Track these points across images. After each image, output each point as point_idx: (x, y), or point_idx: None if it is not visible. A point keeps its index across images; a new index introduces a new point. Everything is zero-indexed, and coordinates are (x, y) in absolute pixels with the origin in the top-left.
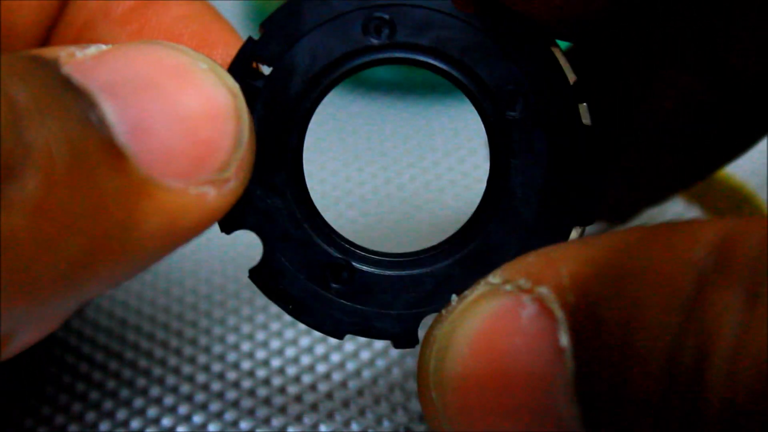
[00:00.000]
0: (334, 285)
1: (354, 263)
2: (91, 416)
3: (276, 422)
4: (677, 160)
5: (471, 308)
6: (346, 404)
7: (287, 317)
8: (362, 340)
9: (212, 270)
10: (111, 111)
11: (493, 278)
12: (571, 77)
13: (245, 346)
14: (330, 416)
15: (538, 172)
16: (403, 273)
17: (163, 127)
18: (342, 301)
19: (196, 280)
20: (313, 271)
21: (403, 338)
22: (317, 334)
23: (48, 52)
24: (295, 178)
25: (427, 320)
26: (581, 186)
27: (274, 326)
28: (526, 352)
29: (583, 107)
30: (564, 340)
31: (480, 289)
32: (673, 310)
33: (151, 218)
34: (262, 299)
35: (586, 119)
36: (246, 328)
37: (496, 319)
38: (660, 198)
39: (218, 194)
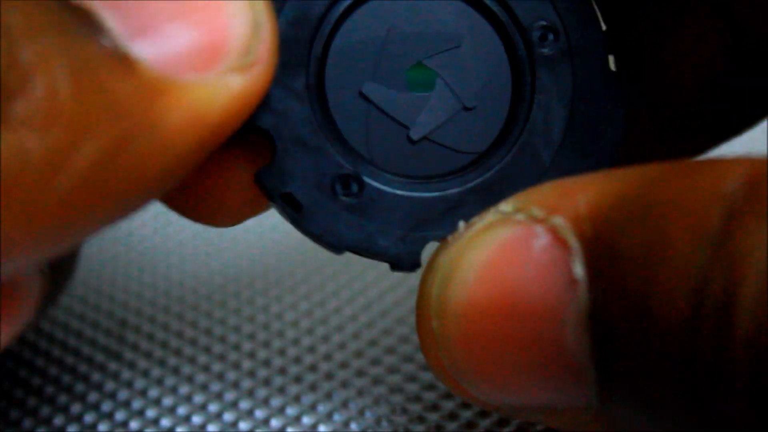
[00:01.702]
0: (342, 197)
1: (365, 177)
2: (90, 417)
3: (276, 423)
4: (699, 124)
5: (479, 236)
6: (345, 405)
7: (289, 317)
8: (368, 335)
9: (212, 270)
10: (111, 18)
11: (505, 206)
12: (603, 26)
13: (246, 346)
14: (329, 416)
15: (561, 111)
16: (413, 194)
17: (170, 23)
18: (348, 214)
19: (196, 281)
20: (322, 179)
21: (405, 260)
22: (318, 335)
23: None
24: (316, 84)
25: (431, 247)
26: (602, 131)
27: (275, 326)
28: (537, 282)
29: (611, 57)
30: (578, 271)
31: (490, 216)
32: (700, 243)
33: (173, 114)
34: (261, 300)
35: (612, 67)
36: (247, 328)
37: (506, 248)
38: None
39: (245, 80)
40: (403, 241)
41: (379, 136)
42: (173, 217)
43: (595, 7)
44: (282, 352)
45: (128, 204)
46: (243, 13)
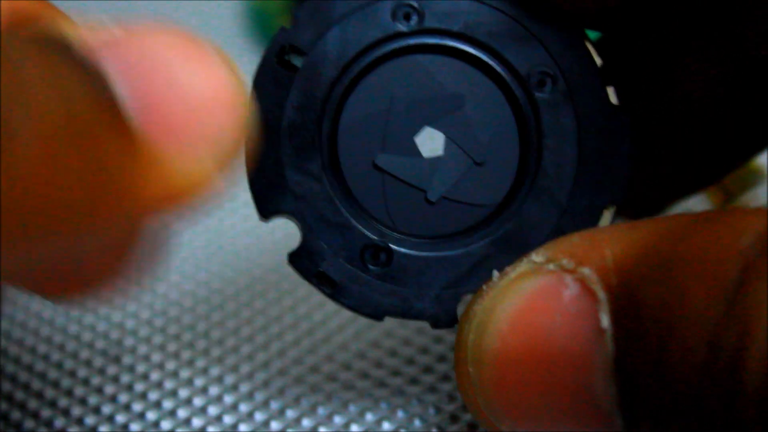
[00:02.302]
0: (372, 267)
1: (392, 245)
2: (91, 420)
3: (275, 425)
4: (705, 154)
5: (513, 285)
6: (345, 405)
7: (285, 322)
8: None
9: (210, 273)
10: (119, 83)
11: (537, 256)
12: (598, 61)
13: (245, 348)
14: (330, 417)
15: (570, 152)
16: (440, 254)
17: (170, 104)
18: (381, 282)
19: (194, 283)
20: (351, 254)
21: (443, 318)
22: (318, 337)
23: (59, 28)
24: (330, 163)
25: (465, 300)
26: (612, 164)
27: (274, 328)
28: (567, 331)
29: (610, 89)
30: (605, 321)
31: (522, 266)
32: (716, 298)
33: (149, 181)
34: (260, 303)
35: (613, 99)
36: (245, 330)
37: (538, 297)
38: (687, 193)
39: (212, 171)
40: (438, 300)
41: (398, 203)
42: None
43: (588, 45)
44: (282, 353)
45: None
46: (234, 111)
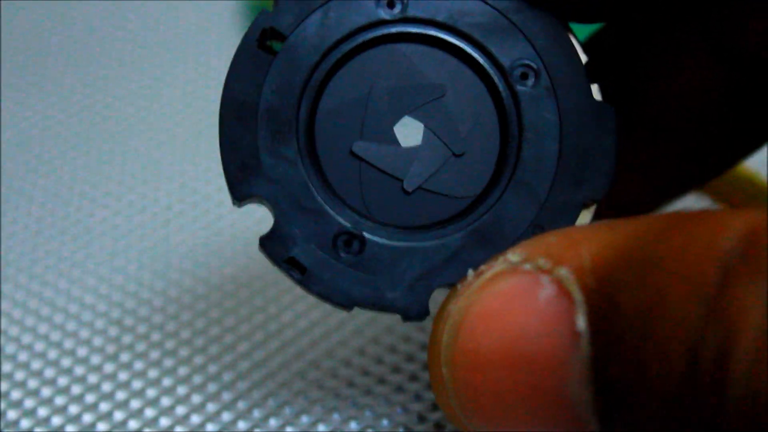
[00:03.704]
0: (344, 255)
1: (365, 233)
2: (88, 418)
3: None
4: (694, 155)
5: (488, 285)
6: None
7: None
8: (368, 334)
9: (210, 270)
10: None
11: (512, 256)
12: (583, 57)
13: (243, 347)
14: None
15: (551, 146)
16: (414, 244)
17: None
18: (352, 271)
19: (194, 280)
20: (323, 240)
21: (414, 310)
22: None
23: None
24: (307, 148)
25: (437, 294)
26: (593, 161)
27: (243, 328)
28: (542, 333)
29: (594, 86)
30: (581, 323)
31: (498, 266)
32: (695, 302)
33: None
34: (259, 300)
35: (597, 97)
36: (244, 328)
37: (513, 298)
38: (677, 194)
39: None
40: (410, 291)
41: (374, 192)
42: (171, 214)
43: (573, 40)
44: (282, 350)
45: None
46: None
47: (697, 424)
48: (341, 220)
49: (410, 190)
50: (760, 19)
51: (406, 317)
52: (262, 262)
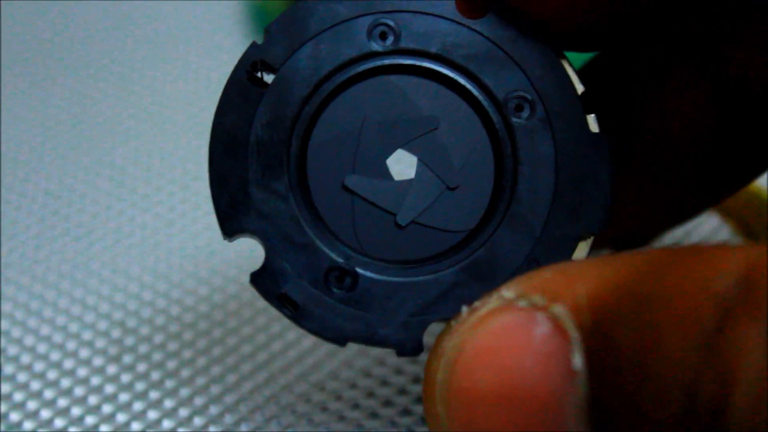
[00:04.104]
0: (336, 291)
1: (357, 269)
2: (90, 420)
3: (274, 426)
4: (690, 185)
5: (482, 322)
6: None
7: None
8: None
9: (212, 269)
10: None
11: (507, 292)
12: (579, 88)
13: (246, 348)
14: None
15: (546, 179)
16: (407, 279)
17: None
18: (345, 306)
19: (196, 281)
20: (315, 276)
21: (408, 346)
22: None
23: None
24: (298, 182)
25: (432, 328)
26: (590, 193)
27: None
28: (537, 371)
29: (591, 117)
30: (577, 362)
31: (492, 302)
32: (693, 342)
33: None
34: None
35: (594, 128)
36: (246, 330)
37: (508, 336)
38: (674, 224)
39: None
40: (403, 327)
41: (366, 226)
42: (174, 216)
43: (569, 70)
44: (284, 352)
45: None
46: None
47: None
48: (333, 255)
49: (403, 224)
50: (746, 49)
51: (400, 353)
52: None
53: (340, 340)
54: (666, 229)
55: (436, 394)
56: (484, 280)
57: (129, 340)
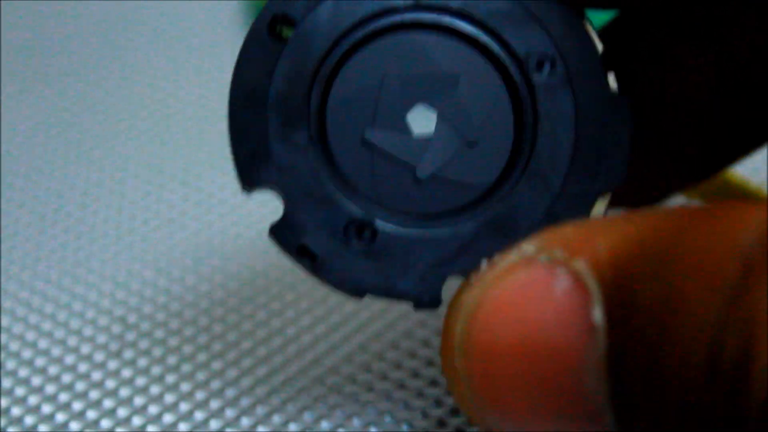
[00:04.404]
0: (356, 243)
1: (377, 222)
2: (91, 414)
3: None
4: (701, 145)
5: (502, 276)
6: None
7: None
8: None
9: (213, 267)
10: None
11: (528, 246)
12: (599, 47)
13: (246, 344)
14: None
15: (566, 136)
16: (426, 233)
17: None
18: (364, 259)
19: (197, 277)
20: (335, 229)
21: (426, 299)
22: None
23: None
24: (318, 136)
25: (451, 282)
26: (609, 151)
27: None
28: (556, 326)
29: (610, 76)
30: (597, 317)
31: (513, 256)
32: (716, 299)
33: None
34: (263, 298)
35: (613, 87)
36: (246, 326)
37: (528, 290)
38: (683, 185)
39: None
40: (422, 280)
41: (386, 180)
42: (175, 213)
43: (590, 29)
44: (282, 349)
45: None
46: None
47: (717, 423)
48: (353, 208)
49: (423, 177)
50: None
51: (418, 306)
52: (266, 259)
53: (359, 293)
54: (672, 191)
55: (454, 347)
56: (503, 235)
57: (130, 336)
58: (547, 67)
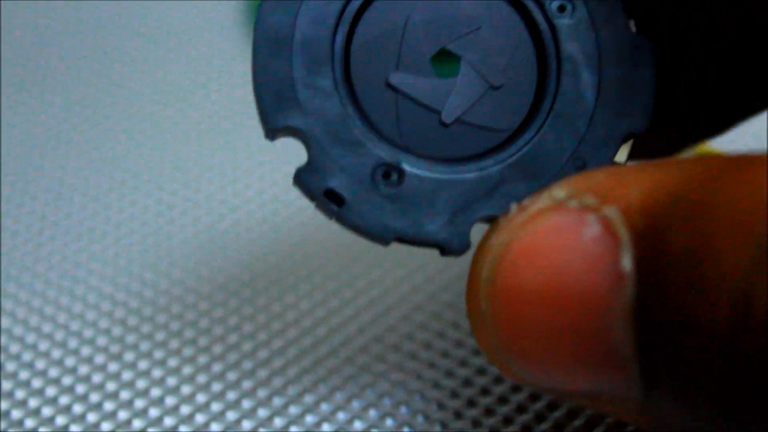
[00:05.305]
0: (383, 187)
1: (404, 165)
2: (92, 417)
3: (278, 421)
4: (718, 97)
5: (532, 221)
6: (349, 401)
7: (288, 317)
8: (377, 331)
9: (214, 268)
10: None
11: (558, 191)
12: None
13: (246, 346)
14: (333, 414)
15: (589, 79)
16: (453, 176)
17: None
18: (391, 203)
19: (197, 280)
20: (362, 172)
21: (456, 243)
22: (321, 331)
23: None
24: (342, 79)
25: (478, 227)
26: (633, 93)
27: (276, 325)
28: (585, 272)
29: (631, 21)
30: (627, 264)
31: (543, 201)
32: (746, 250)
33: None
34: (262, 299)
35: (634, 28)
36: (248, 327)
37: (557, 235)
38: (700, 137)
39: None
40: (450, 223)
41: (411, 124)
42: (175, 215)
43: None
44: (283, 352)
45: None
46: None
47: (744, 373)
48: (379, 151)
49: (449, 121)
50: None
51: (448, 250)
52: (266, 261)
53: (386, 238)
54: (689, 143)
55: (480, 290)
56: (530, 178)
57: (130, 339)
58: (569, 9)
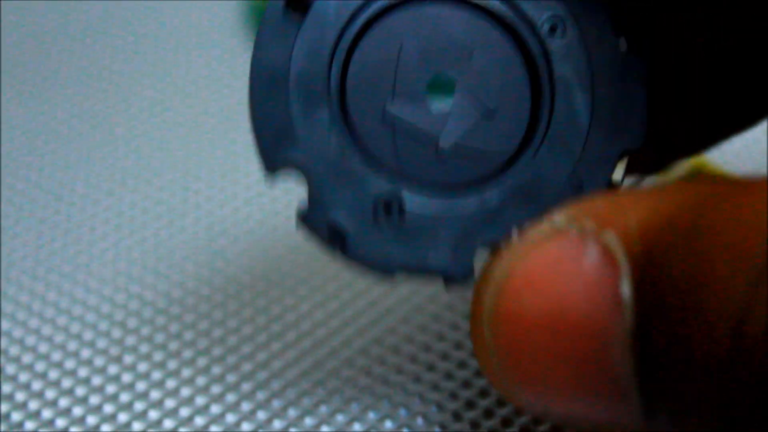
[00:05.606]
0: (384, 220)
1: (404, 195)
2: (92, 420)
3: (278, 424)
4: (712, 110)
5: (532, 248)
6: (348, 403)
7: (287, 319)
8: (374, 334)
9: (213, 270)
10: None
11: (558, 217)
12: (610, 10)
13: (246, 348)
14: (332, 416)
15: (583, 100)
16: (453, 203)
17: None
18: (393, 235)
19: (197, 282)
20: (363, 206)
21: (459, 272)
22: (320, 335)
23: None
24: (340, 112)
25: (480, 254)
26: (627, 112)
27: (276, 328)
28: (585, 298)
29: (622, 40)
30: (626, 290)
31: (543, 228)
32: (743, 276)
33: None
34: (262, 301)
35: (624, 48)
36: (247, 330)
37: (558, 262)
38: (693, 150)
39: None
40: (453, 253)
41: (409, 152)
42: (175, 216)
43: None
44: (282, 354)
45: None
46: None
47: (743, 400)
48: (379, 184)
49: (446, 146)
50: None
51: (452, 280)
52: (267, 262)
53: (390, 271)
54: (681, 156)
55: (483, 318)
56: (529, 202)
57: (130, 340)
58: (560, 30)
